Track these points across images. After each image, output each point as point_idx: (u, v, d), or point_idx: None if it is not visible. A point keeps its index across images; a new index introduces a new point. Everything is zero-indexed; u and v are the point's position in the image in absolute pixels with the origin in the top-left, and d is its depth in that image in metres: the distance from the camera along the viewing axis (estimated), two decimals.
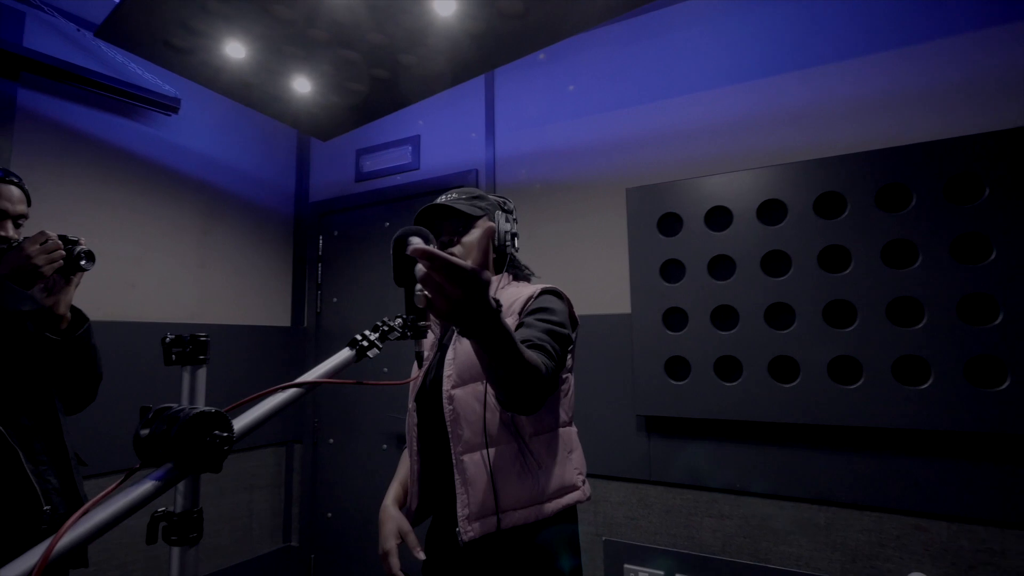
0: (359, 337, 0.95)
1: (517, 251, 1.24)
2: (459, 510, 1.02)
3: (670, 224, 2.00)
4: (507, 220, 1.20)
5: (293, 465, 2.96)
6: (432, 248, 0.64)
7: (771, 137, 1.94)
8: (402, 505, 1.19)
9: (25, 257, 1.18)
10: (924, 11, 1.75)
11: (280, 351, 2.92)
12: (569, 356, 1.15)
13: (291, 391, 0.83)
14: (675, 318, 1.96)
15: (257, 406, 0.79)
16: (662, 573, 1.93)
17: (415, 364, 0.90)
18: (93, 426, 1.98)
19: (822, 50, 1.88)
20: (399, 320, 1.00)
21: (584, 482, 1.13)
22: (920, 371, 1.59)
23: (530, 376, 0.83)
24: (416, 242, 0.89)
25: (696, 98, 2.09)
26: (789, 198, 1.80)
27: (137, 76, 2.31)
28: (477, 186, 2.52)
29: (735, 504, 1.87)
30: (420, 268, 0.66)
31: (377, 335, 0.97)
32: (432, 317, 1.02)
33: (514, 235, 1.21)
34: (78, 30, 2.13)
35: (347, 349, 0.94)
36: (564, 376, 1.15)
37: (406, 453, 1.26)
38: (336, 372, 0.91)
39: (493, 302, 0.71)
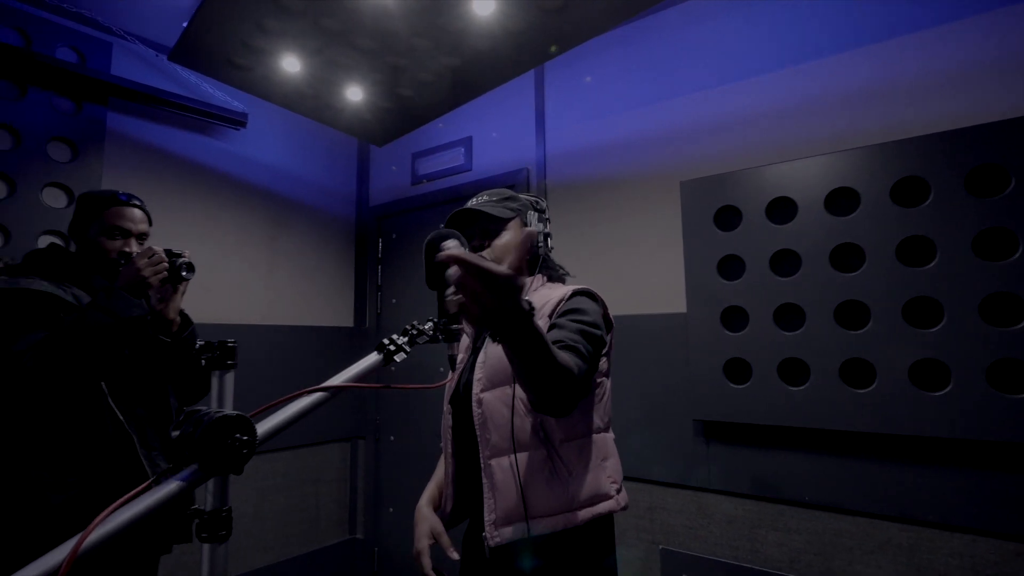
0: (386, 341, 0.96)
1: (551, 251, 1.21)
2: (486, 515, 1.01)
3: (728, 218, 1.88)
4: (539, 220, 1.17)
5: (357, 460, 3.07)
6: (464, 252, 0.63)
7: (838, 120, 1.78)
8: (437, 506, 1.19)
9: (135, 270, 1.35)
10: None
11: (345, 351, 3.04)
12: (604, 359, 1.11)
13: (317, 395, 0.84)
14: (734, 318, 1.85)
15: (283, 409, 0.81)
16: None
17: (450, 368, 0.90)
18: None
19: (888, 23, 1.70)
20: (430, 324, 1.00)
21: (619, 491, 1.08)
22: (1020, 377, 1.40)
23: (562, 378, 0.82)
24: (450, 245, 0.88)
25: (752, 83, 1.95)
26: (862, 185, 1.64)
27: (208, 95, 2.48)
28: (528, 185, 2.50)
29: (803, 518, 1.74)
30: (451, 272, 0.64)
31: (406, 339, 0.98)
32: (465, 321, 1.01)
33: (547, 235, 1.18)
34: (156, 55, 2.31)
35: (375, 353, 0.95)
36: (599, 380, 1.11)
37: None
38: (363, 376, 0.93)
39: (526, 304, 0.69)
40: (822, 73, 1.82)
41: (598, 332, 1.01)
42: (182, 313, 1.49)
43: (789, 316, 1.74)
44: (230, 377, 0.80)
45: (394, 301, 3.04)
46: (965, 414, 1.45)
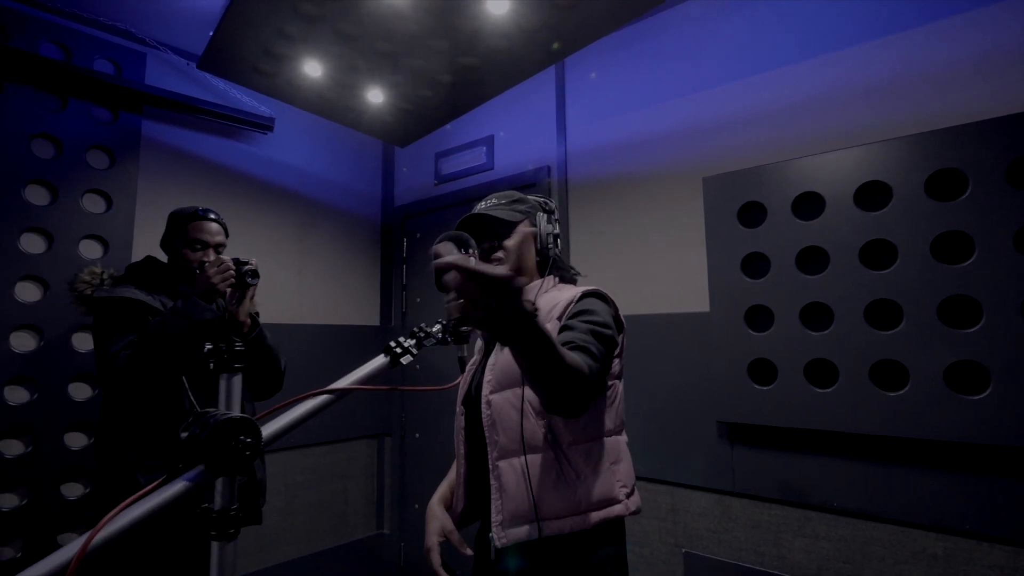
0: (393, 344, 0.97)
1: (560, 251, 1.20)
2: (493, 515, 1.02)
3: (752, 214, 1.83)
4: (548, 221, 1.16)
5: (384, 457, 3.12)
6: (459, 258, 0.63)
7: (865, 111, 1.70)
8: (448, 505, 1.20)
9: (206, 278, 1.51)
10: None
11: (372, 349, 3.09)
12: (616, 361, 1.10)
13: (322, 397, 0.86)
14: (759, 317, 1.79)
15: (290, 411, 0.82)
16: None
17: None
18: None
19: (916, 10, 1.61)
20: (438, 326, 1.00)
21: (629, 495, 1.06)
22: None
23: (572, 378, 0.81)
24: (444, 252, 0.88)
25: (775, 75, 1.88)
26: (895, 178, 1.57)
27: (237, 100, 2.55)
28: (550, 183, 2.49)
29: (831, 524, 1.68)
30: (449, 278, 0.64)
31: (413, 342, 0.99)
32: None
33: (556, 236, 1.17)
34: (187, 64, 2.39)
35: (382, 356, 0.96)
36: (610, 383, 1.09)
37: None
38: (370, 378, 0.94)
39: (528, 305, 0.68)
40: (848, 63, 1.74)
41: (609, 332, 1.00)
42: (253, 316, 1.63)
43: (817, 315, 1.68)
44: (237, 380, 0.82)
45: (419, 300, 3.07)
46: (1004, 419, 1.37)
